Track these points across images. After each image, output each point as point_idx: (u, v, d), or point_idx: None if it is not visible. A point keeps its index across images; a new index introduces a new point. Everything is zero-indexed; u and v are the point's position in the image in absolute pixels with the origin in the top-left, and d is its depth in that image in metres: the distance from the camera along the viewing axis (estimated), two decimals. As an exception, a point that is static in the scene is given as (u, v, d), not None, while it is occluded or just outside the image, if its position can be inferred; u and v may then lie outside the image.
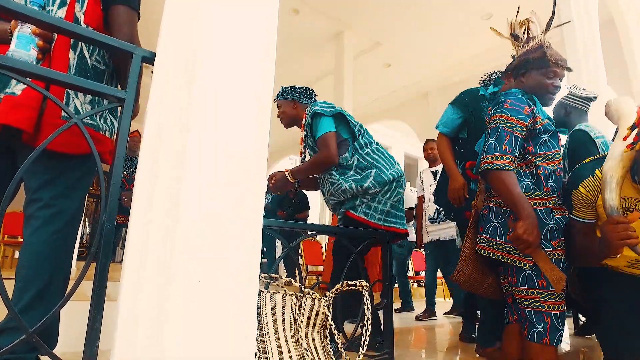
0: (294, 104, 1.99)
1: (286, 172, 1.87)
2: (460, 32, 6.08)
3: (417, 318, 3.51)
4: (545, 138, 1.41)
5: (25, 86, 0.93)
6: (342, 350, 1.12)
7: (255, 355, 0.93)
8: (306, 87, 2.06)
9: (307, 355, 1.00)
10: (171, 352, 0.75)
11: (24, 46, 0.88)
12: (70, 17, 1.05)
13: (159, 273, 0.78)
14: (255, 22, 0.98)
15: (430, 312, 3.55)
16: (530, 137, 1.41)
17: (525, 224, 1.23)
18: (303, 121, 1.93)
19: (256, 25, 0.98)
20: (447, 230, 3.31)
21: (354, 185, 1.76)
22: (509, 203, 1.31)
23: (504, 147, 1.34)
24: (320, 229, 1.82)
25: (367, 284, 1.21)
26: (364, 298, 1.18)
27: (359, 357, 1.12)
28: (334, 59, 6.31)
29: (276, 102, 2.02)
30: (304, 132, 1.94)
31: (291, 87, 2.03)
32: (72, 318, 1.21)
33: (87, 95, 1.06)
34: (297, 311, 1.04)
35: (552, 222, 1.33)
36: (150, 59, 0.94)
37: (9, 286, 0.75)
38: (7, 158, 1.03)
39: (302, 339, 1.02)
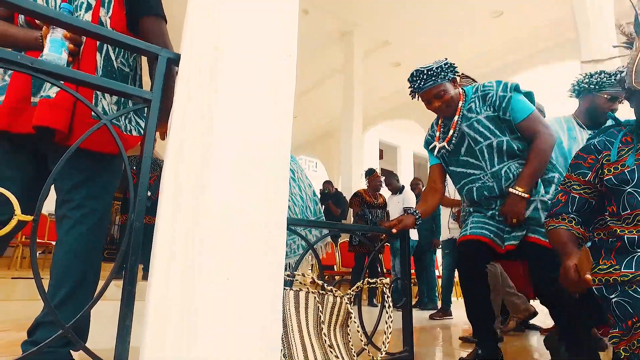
0: (453, 84, 1.61)
1: (517, 191, 1.42)
2: (470, 30, 6.04)
3: (432, 317, 3.49)
4: (627, 190, 1.04)
5: (59, 89, 0.96)
6: (365, 347, 1.13)
7: (280, 352, 0.94)
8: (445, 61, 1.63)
9: (331, 352, 1.01)
10: (199, 349, 0.76)
11: (56, 50, 0.91)
12: (96, 21, 1.09)
13: (187, 271, 0.79)
14: (276, 21, 0.99)
15: (444, 311, 3.52)
16: (609, 193, 1.10)
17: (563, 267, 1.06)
18: (460, 103, 1.58)
19: (277, 24, 0.99)
20: None
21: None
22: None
23: (555, 210, 1.19)
24: (340, 227, 1.83)
25: (387, 282, 1.22)
26: (385, 296, 1.18)
27: (381, 354, 1.13)
28: (343, 58, 6.32)
29: (430, 89, 1.57)
30: (458, 116, 1.57)
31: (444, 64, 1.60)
32: (94, 317, 1.23)
33: (114, 96, 1.09)
34: (320, 308, 1.05)
35: (616, 295, 1.00)
36: (175, 60, 0.96)
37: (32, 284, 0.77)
38: (36, 161, 1.06)
39: (325, 336, 1.03)
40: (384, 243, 1.58)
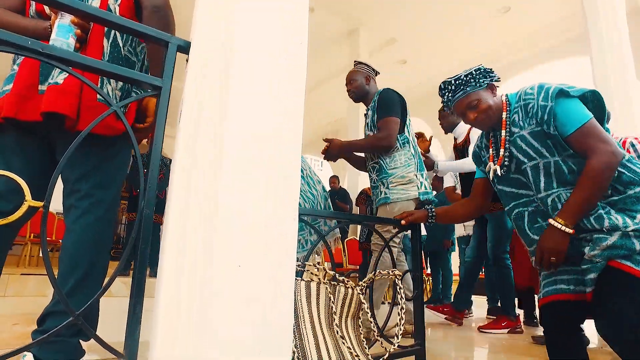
0: (491, 91, 1.36)
1: (557, 224, 1.13)
2: (477, 27, 6.00)
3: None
4: None
5: (66, 75, 0.96)
6: (378, 338, 1.12)
7: (292, 341, 0.93)
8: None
9: (343, 344, 1.00)
10: (211, 337, 0.75)
11: (63, 35, 0.90)
12: (104, 7, 1.08)
13: (199, 258, 0.78)
14: (287, 17, 0.98)
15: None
16: None
17: None
18: (504, 115, 1.30)
19: (287, 19, 0.99)
20: None
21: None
22: None
23: None
24: (349, 218, 1.82)
25: (400, 273, 1.20)
26: (397, 287, 1.17)
27: (393, 347, 1.11)
28: (349, 57, 6.30)
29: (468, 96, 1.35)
30: (505, 131, 1.30)
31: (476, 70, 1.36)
32: (101, 312, 1.23)
33: (119, 82, 1.08)
34: (332, 299, 1.04)
35: None
36: (185, 48, 0.95)
37: (45, 279, 0.77)
38: (43, 150, 1.06)
39: (337, 326, 1.01)
40: (394, 236, 1.55)
